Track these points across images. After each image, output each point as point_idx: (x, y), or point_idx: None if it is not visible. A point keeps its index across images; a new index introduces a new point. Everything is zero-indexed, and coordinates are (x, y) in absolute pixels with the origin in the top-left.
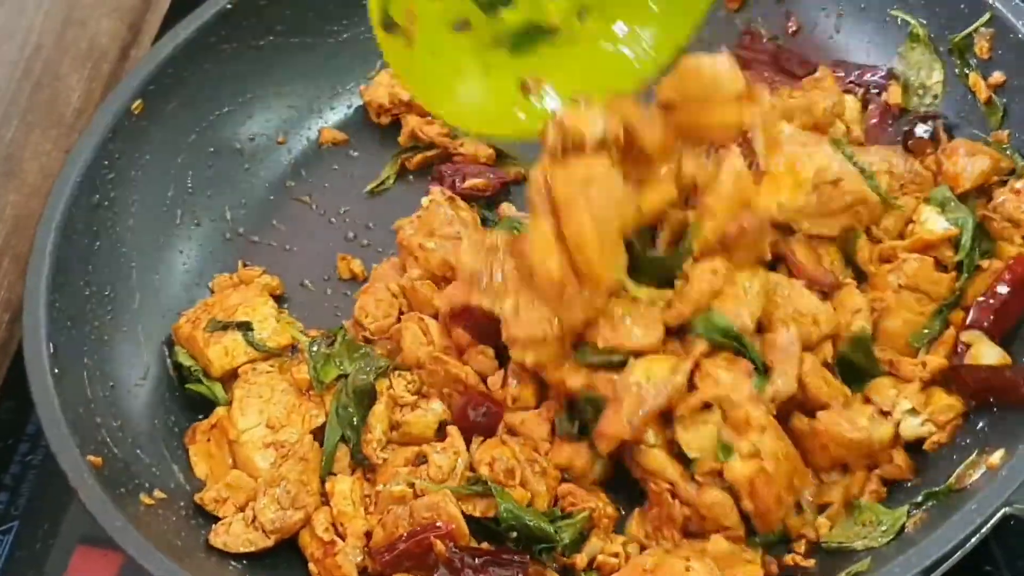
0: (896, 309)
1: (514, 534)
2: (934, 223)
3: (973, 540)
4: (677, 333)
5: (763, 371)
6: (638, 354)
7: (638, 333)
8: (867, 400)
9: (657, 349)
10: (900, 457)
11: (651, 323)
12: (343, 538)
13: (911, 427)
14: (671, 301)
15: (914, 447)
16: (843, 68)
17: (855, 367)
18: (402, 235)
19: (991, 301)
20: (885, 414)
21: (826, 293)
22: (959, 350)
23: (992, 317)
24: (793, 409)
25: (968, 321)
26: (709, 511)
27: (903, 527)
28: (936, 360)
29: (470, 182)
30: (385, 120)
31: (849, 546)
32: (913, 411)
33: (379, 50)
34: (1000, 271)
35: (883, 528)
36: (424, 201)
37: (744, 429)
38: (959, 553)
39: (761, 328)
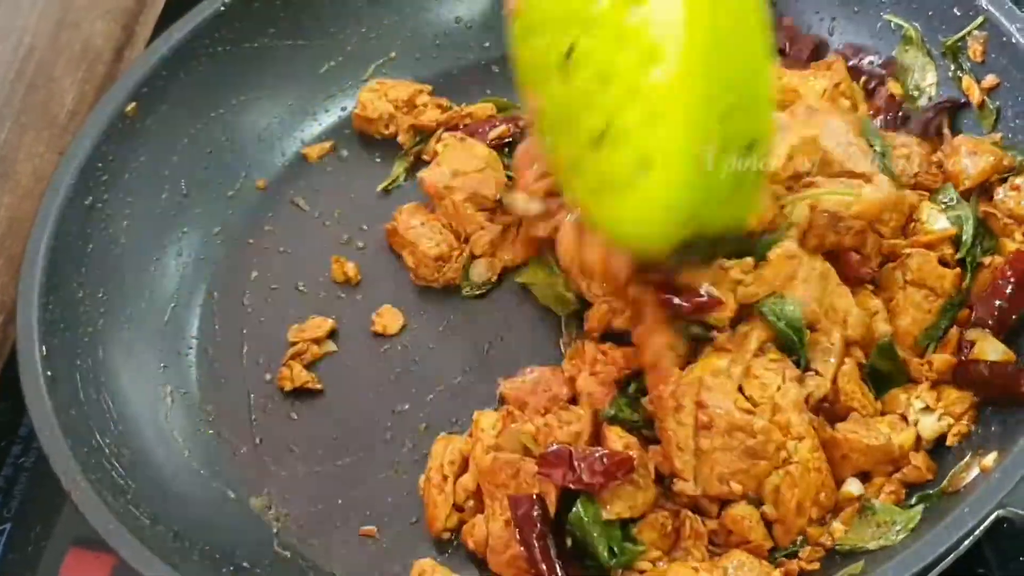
0: (904, 307)
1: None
2: (935, 221)
3: (966, 543)
4: (733, 321)
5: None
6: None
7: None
8: (882, 413)
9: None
10: (920, 459)
11: (727, 296)
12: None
13: (930, 425)
14: (744, 280)
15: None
16: (850, 49)
17: (882, 375)
18: (429, 182)
19: (994, 298)
20: (902, 418)
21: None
22: (963, 347)
23: (995, 313)
24: (820, 417)
25: (972, 318)
26: (734, 525)
27: (918, 524)
28: (942, 358)
29: (494, 132)
30: (391, 130)
31: (863, 547)
32: (927, 409)
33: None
34: (1001, 267)
35: (897, 528)
36: (439, 147)
37: (783, 434)
38: (952, 556)
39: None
